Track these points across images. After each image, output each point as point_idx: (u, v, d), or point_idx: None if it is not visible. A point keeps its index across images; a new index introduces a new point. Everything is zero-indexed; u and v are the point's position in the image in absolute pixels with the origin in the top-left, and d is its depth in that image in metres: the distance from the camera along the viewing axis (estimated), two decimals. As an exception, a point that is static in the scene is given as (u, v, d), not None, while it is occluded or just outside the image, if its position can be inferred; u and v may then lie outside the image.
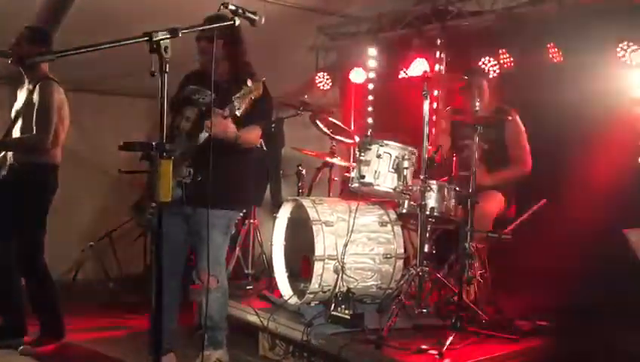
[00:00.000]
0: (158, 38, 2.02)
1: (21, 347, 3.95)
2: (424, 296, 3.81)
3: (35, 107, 3.84)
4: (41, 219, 4.00)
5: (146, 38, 2.02)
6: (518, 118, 4.33)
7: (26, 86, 3.99)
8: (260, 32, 2.44)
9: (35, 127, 3.85)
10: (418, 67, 5.30)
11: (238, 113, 3.17)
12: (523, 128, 4.35)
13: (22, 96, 4.01)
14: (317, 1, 5.87)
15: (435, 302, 3.90)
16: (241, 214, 3.92)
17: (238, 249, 4.99)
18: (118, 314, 5.08)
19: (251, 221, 5.05)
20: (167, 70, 2.04)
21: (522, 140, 4.34)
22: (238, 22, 2.29)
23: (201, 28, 2.18)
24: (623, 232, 3.64)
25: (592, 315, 3.66)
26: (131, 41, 2.07)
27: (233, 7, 2.27)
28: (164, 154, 2.01)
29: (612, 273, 3.90)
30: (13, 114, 4.02)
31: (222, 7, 2.27)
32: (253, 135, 3.50)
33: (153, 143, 2.04)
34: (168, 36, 2.05)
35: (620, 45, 4.11)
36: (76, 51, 2.01)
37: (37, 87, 3.86)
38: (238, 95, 3.20)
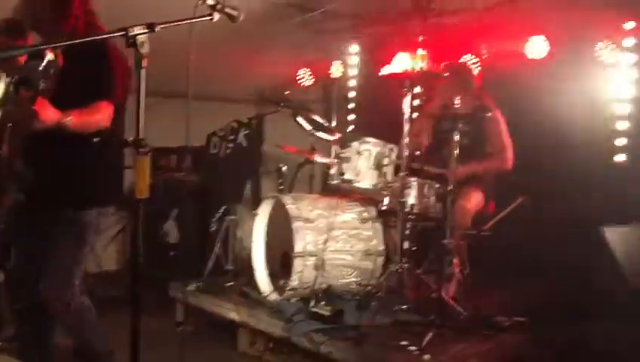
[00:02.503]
0: (134, 33, 1.99)
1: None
2: (404, 292, 3.82)
3: None
4: None
5: (122, 33, 2.00)
6: (499, 114, 4.36)
7: (3, 79, 3.92)
8: (240, 28, 2.41)
9: None
10: (399, 63, 5.32)
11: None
12: (504, 124, 4.38)
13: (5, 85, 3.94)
14: (299, -4, 5.86)
15: (415, 299, 3.92)
16: (100, 213, 2.98)
17: (218, 245, 4.96)
18: (97, 310, 5.03)
19: (231, 217, 5.03)
20: (144, 65, 2.02)
21: (502, 136, 4.36)
22: (217, 17, 2.27)
23: (179, 23, 2.15)
24: (600, 229, 3.69)
25: (570, 312, 3.70)
26: (108, 36, 2.05)
27: (212, 2, 2.24)
28: (140, 150, 1.99)
29: (589, 270, 3.95)
30: None
31: (200, 2, 2.24)
32: (91, 117, 2.69)
33: (129, 139, 2.02)
34: (145, 31, 2.02)
35: (600, 43, 4.16)
36: (53, 45, 1.98)
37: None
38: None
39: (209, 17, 2.25)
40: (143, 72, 2.01)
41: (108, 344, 3.03)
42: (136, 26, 2.01)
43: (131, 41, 1.98)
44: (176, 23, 2.14)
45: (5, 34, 3.82)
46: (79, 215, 2.80)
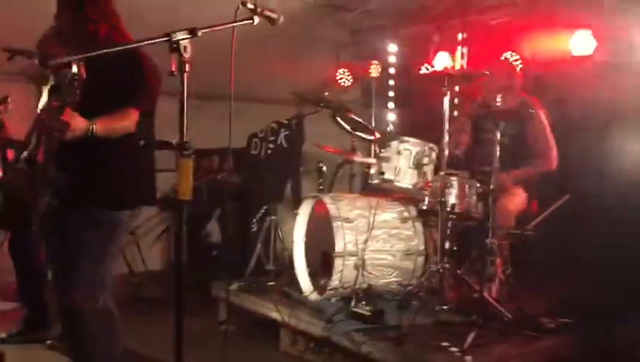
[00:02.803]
0: (177, 38, 2.04)
1: (48, 341, 4.03)
2: (445, 292, 3.79)
3: None
4: None
5: (166, 38, 2.05)
6: (542, 112, 4.28)
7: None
8: (279, 29, 2.44)
9: None
10: (439, 62, 5.28)
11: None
12: (547, 123, 4.29)
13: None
14: (337, -4, 5.88)
15: (457, 299, 3.89)
16: (123, 215, 2.94)
17: (259, 245, 5.02)
18: (142, 309, 5.15)
19: (272, 217, 5.08)
20: (187, 70, 2.06)
21: (546, 135, 4.28)
22: (257, 21, 2.30)
23: (220, 27, 2.19)
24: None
25: (616, 313, 3.61)
26: (152, 41, 2.10)
27: (252, 6, 2.28)
28: (184, 153, 2.03)
29: (637, 270, 3.85)
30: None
31: (240, 5, 2.27)
32: (116, 125, 2.71)
33: (173, 142, 2.07)
34: (188, 36, 2.07)
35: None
36: (98, 52, 2.04)
37: None
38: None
39: (249, 21, 2.29)
40: (185, 77, 2.05)
41: (122, 349, 2.99)
42: (179, 31, 2.06)
43: (175, 46, 2.03)
44: (217, 28, 2.18)
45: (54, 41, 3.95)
46: (110, 216, 2.82)
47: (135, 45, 2.04)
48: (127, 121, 2.71)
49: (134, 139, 2.76)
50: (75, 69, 2.43)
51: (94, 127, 2.58)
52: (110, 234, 2.84)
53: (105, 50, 2.24)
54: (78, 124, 2.52)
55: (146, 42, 2.09)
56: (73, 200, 2.69)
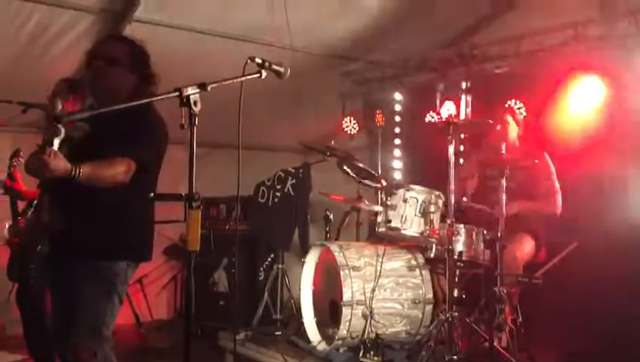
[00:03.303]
0: (187, 93, 2.10)
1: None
2: (454, 341, 3.75)
3: None
4: None
5: (176, 93, 2.11)
6: (548, 158, 4.31)
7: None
8: (286, 79, 2.51)
9: None
10: (444, 110, 5.36)
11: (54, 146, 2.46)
12: (553, 169, 4.32)
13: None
14: (343, 48, 6.01)
15: (466, 348, 3.84)
16: (129, 265, 2.89)
17: (266, 294, 4.99)
18: (149, 359, 5.10)
19: (279, 266, 5.07)
20: (196, 123, 2.11)
21: (550, 179, 4.31)
22: (264, 74, 2.37)
23: (230, 81, 2.25)
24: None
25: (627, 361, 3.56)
26: (163, 97, 2.16)
27: (259, 61, 2.34)
28: (193, 204, 2.06)
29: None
30: None
31: (249, 60, 2.34)
32: (104, 171, 2.64)
33: (182, 194, 2.10)
34: (197, 91, 2.13)
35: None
36: (112, 108, 2.10)
37: None
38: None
39: (257, 75, 2.35)
40: (194, 130, 2.10)
41: None
42: (189, 85, 2.12)
43: (185, 101, 2.08)
44: (227, 82, 2.24)
45: (67, 93, 4.05)
46: (108, 266, 2.78)
47: (149, 100, 2.09)
48: (114, 170, 2.65)
49: (137, 191, 2.74)
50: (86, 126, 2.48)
51: (79, 170, 2.52)
52: (108, 284, 2.78)
53: (121, 106, 2.29)
54: (59, 164, 2.46)
55: (158, 98, 2.15)
56: (72, 250, 2.69)
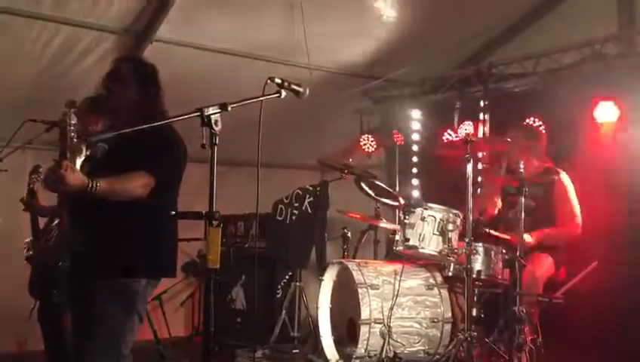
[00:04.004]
0: (209, 113, 2.14)
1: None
2: (473, 361, 3.72)
3: None
4: None
5: (197, 114, 2.14)
6: (566, 177, 4.28)
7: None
8: (306, 98, 2.54)
9: None
10: (462, 128, 5.36)
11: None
12: (572, 188, 4.28)
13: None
14: (361, 66, 6.05)
15: (486, 369, 3.81)
16: (149, 283, 2.87)
17: (284, 312, 4.99)
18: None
19: (297, 283, 5.08)
20: (217, 142, 2.15)
21: (570, 200, 4.26)
22: (284, 95, 2.40)
23: (249, 101, 2.28)
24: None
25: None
26: (185, 117, 2.20)
27: (279, 81, 2.38)
28: (213, 222, 2.09)
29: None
30: None
31: (269, 80, 2.38)
32: (122, 185, 2.67)
33: (203, 212, 2.13)
34: (218, 111, 2.17)
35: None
36: (133, 129, 2.14)
37: None
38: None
39: (276, 95, 2.38)
40: (215, 149, 2.13)
41: None
42: (210, 105, 2.16)
43: (206, 121, 2.12)
44: (247, 102, 2.28)
45: (90, 111, 4.11)
46: (128, 284, 2.76)
47: (171, 121, 2.13)
48: (132, 184, 2.67)
49: (157, 208, 2.77)
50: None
51: (96, 184, 2.54)
52: (127, 302, 2.77)
53: (142, 127, 2.33)
54: (76, 177, 2.50)
55: (180, 118, 2.19)
56: (92, 268, 2.71)
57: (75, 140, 2.51)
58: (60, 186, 2.52)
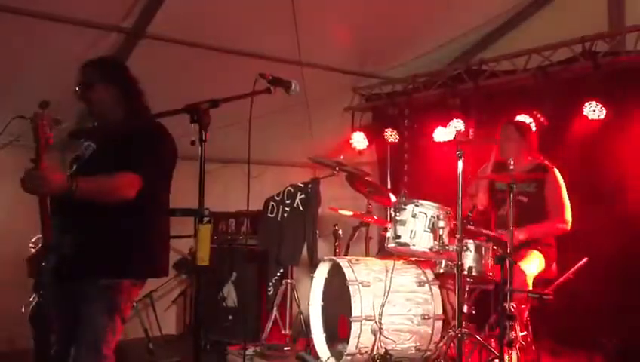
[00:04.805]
0: (198, 109, 2.13)
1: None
2: (464, 358, 3.72)
3: None
4: None
5: (187, 110, 2.14)
6: (557, 173, 4.30)
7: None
8: (296, 95, 2.53)
9: None
10: (453, 125, 5.36)
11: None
12: (562, 184, 4.30)
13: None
14: (352, 63, 6.05)
15: (476, 365, 3.81)
16: (133, 284, 2.85)
17: (275, 309, 4.99)
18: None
19: (288, 281, 5.07)
20: (206, 139, 2.14)
21: (561, 196, 4.27)
22: (273, 90, 2.39)
23: (239, 98, 2.28)
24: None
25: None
26: (175, 113, 2.20)
27: (270, 78, 2.38)
28: (203, 220, 2.08)
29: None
30: None
31: (259, 77, 2.37)
32: (103, 185, 2.64)
33: (192, 209, 2.12)
34: (208, 107, 2.16)
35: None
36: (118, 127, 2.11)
37: None
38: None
39: (267, 91, 2.38)
40: (205, 146, 2.13)
41: None
42: (200, 102, 2.15)
43: (195, 118, 2.11)
44: (237, 98, 2.27)
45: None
46: (111, 284, 2.74)
47: (161, 116, 2.12)
48: (117, 183, 2.63)
49: (144, 207, 2.74)
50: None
51: (76, 183, 2.52)
52: (111, 302, 2.75)
53: (129, 125, 2.31)
54: (55, 178, 2.49)
55: (170, 114, 2.18)
56: (75, 268, 2.69)
57: (49, 141, 2.49)
58: (41, 187, 2.49)
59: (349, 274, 3.97)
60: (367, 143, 6.23)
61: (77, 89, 2.85)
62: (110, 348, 2.76)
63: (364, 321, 3.86)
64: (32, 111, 2.91)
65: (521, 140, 4.38)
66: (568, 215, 4.22)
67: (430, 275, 4.19)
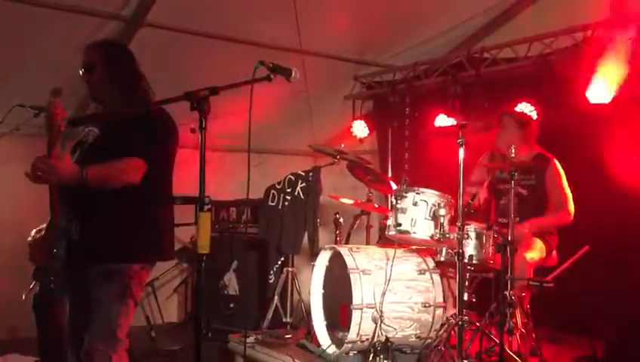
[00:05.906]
0: (199, 97, 2.12)
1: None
2: (465, 346, 3.74)
3: None
4: None
5: (188, 98, 2.13)
6: (557, 164, 4.29)
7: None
8: (297, 83, 2.53)
9: None
10: (454, 114, 5.35)
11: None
12: (563, 174, 4.29)
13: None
14: (353, 51, 6.03)
15: (477, 353, 3.82)
16: (143, 268, 2.89)
17: (276, 297, 5.00)
18: (158, 362, 5.13)
19: (289, 269, 5.08)
20: (206, 127, 2.13)
21: (562, 187, 4.27)
22: (273, 78, 2.38)
23: (239, 85, 2.26)
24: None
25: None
26: (175, 101, 2.19)
27: (269, 65, 2.37)
28: (204, 207, 2.08)
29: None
30: None
31: (259, 64, 2.36)
32: (111, 170, 2.67)
33: (193, 196, 2.12)
34: (208, 95, 2.15)
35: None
36: (126, 111, 2.11)
37: None
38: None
39: (267, 78, 2.37)
40: (205, 134, 2.12)
41: None
42: (200, 90, 2.14)
43: (196, 105, 2.10)
44: (237, 86, 2.26)
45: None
46: (122, 269, 2.78)
47: (161, 104, 2.11)
48: (123, 168, 2.66)
49: (149, 192, 2.76)
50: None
51: (86, 171, 2.57)
52: (123, 287, 2.79)
53: (131, 110, 2.31)
54: (66, 167, 2.54)
55: (170, 101, 2.17)
56: (86, 254, 2.72)
57: (61, 129, 2.50)
58: (52, 177, 2.53)
59: (349, 262, 3.97)
60: (367, 131, 6.22)
61: (80, 71, 2.86)
62: (124, 332, 2.80)
63: (364, 309, 3.86)
64: (33, 100, 2.93)
65: (519, 131, 4.36)
66: (571, 206, 4.22)
67: (431, 263, 4.18)
